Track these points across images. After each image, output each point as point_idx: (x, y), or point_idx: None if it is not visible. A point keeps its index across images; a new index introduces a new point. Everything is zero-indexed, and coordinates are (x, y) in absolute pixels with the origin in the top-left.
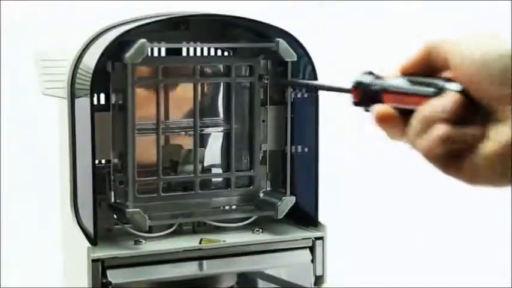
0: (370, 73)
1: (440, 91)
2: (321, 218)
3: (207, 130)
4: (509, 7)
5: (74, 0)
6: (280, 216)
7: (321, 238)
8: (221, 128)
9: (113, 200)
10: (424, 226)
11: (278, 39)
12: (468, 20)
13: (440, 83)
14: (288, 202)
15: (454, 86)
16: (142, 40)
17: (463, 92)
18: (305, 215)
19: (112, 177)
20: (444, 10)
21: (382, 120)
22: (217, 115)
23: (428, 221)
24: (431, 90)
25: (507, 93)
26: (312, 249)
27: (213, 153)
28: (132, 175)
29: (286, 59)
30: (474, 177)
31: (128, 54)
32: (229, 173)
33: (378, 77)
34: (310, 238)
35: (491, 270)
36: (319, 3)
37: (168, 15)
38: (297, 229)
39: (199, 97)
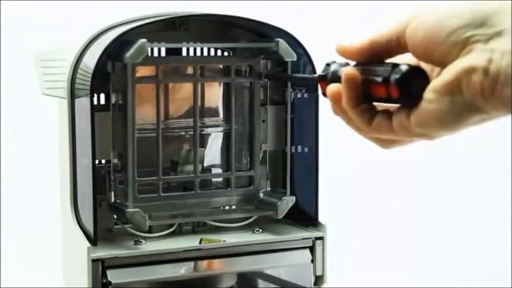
0: (334, 62)
1: (387, 79)
2: (321, 218)
3: (207, 130)
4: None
5: (74, 0)
6: (280, 216)
7: (321, 238)
8: (221, 128)
9: (113, 200)
10: (424, 226)
11: (278, 39)
12: None
13: (387, 69)
14: (288, 202)
15: (396, 74)
16: (143, 40)
17: (403, 78)
18: (305, 215)
19: (112, 177)
20: None
21: (333, 98)
22: (217, 115)
23: (428, 220)
24: (379, 79)
25: (456, 39)
26: (312, 249)
27: (213, 153)
28: (132, 175)
29: (286, 59)
30: (421, 125)
31: (127, 54)
32: (229, 173)
33: (343, 65)
34: (310, 238)
35: (491, 270)
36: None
37: (167, 15)
38: (297, 229)
39: (199, 97)
